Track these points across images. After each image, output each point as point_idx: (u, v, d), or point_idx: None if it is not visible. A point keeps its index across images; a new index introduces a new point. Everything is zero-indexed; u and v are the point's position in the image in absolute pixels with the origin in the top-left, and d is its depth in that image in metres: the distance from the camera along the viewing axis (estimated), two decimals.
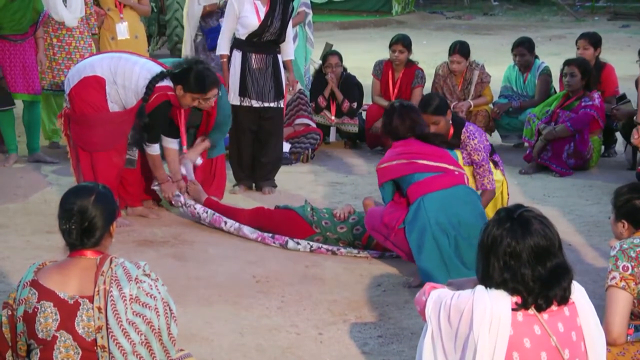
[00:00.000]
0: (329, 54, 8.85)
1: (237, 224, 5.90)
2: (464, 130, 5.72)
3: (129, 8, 8.26)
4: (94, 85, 5.78)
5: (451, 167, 5.16)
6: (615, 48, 15.34)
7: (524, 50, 8.52)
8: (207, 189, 6.36)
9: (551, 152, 7.72)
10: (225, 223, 5.93)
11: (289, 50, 7.03)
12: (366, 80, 9.13)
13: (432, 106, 5.57)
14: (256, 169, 6.97)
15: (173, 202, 6.15)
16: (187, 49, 8.54)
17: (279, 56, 6.89)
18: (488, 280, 2.91)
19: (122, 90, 5.77)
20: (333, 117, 8.58)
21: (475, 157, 5.70)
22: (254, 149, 6.95)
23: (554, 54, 13.59)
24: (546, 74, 8.52)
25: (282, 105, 7.06)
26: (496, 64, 11.44)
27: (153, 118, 5.81)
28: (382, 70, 8.57)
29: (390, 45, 8.49)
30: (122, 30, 8.17)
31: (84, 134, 5.88)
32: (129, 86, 5.75)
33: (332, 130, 8.68)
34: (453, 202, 5.02)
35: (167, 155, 6.15)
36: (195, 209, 6.04)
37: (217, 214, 5.99)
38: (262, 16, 6.69)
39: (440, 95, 5.90)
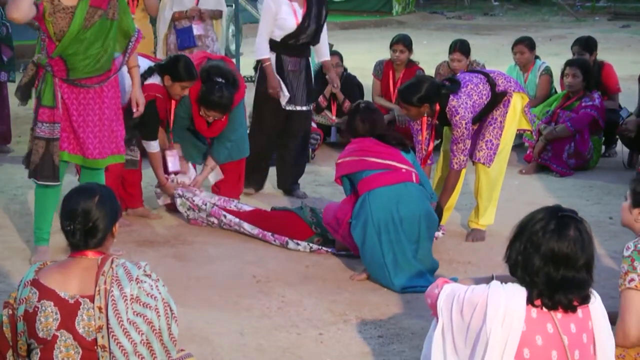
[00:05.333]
0: (330, 54, 8.83)
1: (236, 219, 5.89)
2: (447, 109, 5.53)
3: (139, 10, 8.22)
4: None
5: (399, 165, 5.20)
6: (615, 48, 15.35)
7: (523, 47, 8.50)
8: (226, 190, 6.37)
9: (551, 152, 7.72)
10: (225, 216, 5.92)
11: (324, 50, 6.96)
12: (367, 80, 9.13)
13: (406, 96, 5.54)
14: (283, 173, 6.95)
15: (174, 199, 6.12)
16: (159, 48, 8.50)
17: (315, 59, 6.83)
18: (508, 257, 2.95)
19: None
20: (334, 117, 8.58)
21: (454, 133, 5.57)
22: (280, 153, 6.88)
23: (555, 54, 13.58)
24: (547, 74, 8.52)
25: (310, 108, 7.04)
26: (497, 64, 11.41)
27: (145, 115, 5.77)
28: (382, 70, 8.58)
29: (391, 45, 8.50)
30: None
31: None
32: (120, 85, 5.73)
33: (333, 130, 8.69)
34: (397, 199, 5.09)
35: (150, 160, 6.12)
36: (193, 201, 6.02)
37: (216, 207, 5.98)
38: (300, 18, 6.60)
39: (429, 85, 5.53)
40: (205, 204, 5.98)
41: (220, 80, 5.96)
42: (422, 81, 5.63)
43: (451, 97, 5.52)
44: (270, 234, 5.75)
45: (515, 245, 2.93)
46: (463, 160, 5.61)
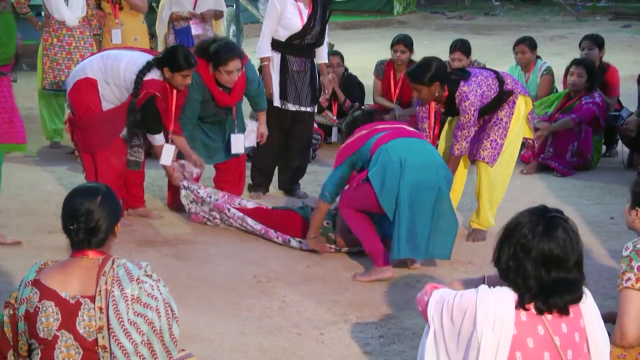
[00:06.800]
0: (331, 54, 8.84)
1: (240, 213, 5.89)
2: (457, 94, 5.57)
3: (126, 11, 8.24)
4: (87, 87, 5.78)
5: (410, 128, 5.43)
6: (616, 48, 15.31)
7: (525, 47, 8.49)
8: (228, 190, 6.35)
9: (554, 151, 7.71)
10: (229, 210, 5.92)
11: (323, 53, 6.94)
12: (368, 80, 9.13)
13: (416, 75, 5.58)
14: (285, 174, 6.95)
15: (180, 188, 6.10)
16: (159, 46, 8.52)
17: (315, 60, 6.84)
18: (497, 263, 2.94)
19: (115, 89, 5.77)
20: (335, 117, 8.58)
21: (461, 119, 5.61)
22: (282, 154, 6.89)
23: (556, 54, 13.58)
24: (548, 74, 8.51)
25: (315, 110, 7.03)
26: (498, 64, 11.36)
27: (146, 112, 5.79)
28: (383, 70, 8.58)
29: (392, 46, 8.50)
30: (116, 36, 8.17)
31: (83, 136, 5.90)
32: (119, 84, 5.75)
33: (334, 130, 8.69)
34: (414, 148, 5.17)
35: (156, 153, 6.09)
36: (198, 193, 6.01)
37: (220, 200, 5.97)
38: (305, 18, 6.58)
39: (437, 63, 5.57)
40: (210, 197, 5.98)
41: (215, 42, 6.10)
42: (431, 60, 5.66)
43: (462, 82, 5.57)
44: (273, 230, 5.75)
45: (504, 249, 2.92)
46: (464, 147, 5.66)
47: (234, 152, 6.30)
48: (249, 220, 5.84)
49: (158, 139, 5.95)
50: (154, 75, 5.75)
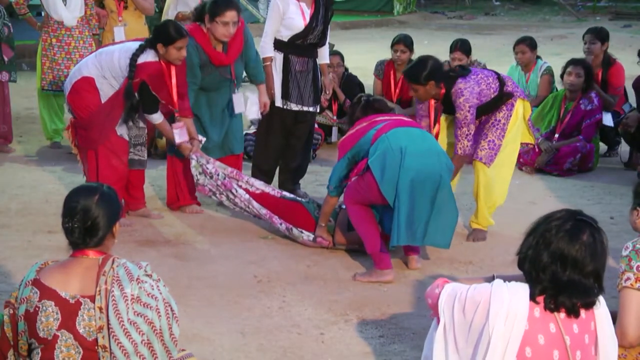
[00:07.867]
0: (331, 54, 8.83)
1: (246, 195, 5.89)
2: (453, 90, 5.60)
3: (130, 11, 8.24)
4: (85, 86, 5.78)
5: (407, 119, 5.47)
6: (617, 48, 15.25)
7: (525, 47, 8.49)
8: None
9: (553, 163, 7.70)
10: (236, 190, 5.91)
11: (325, 53, 6.93)
12: (368, 80, 9.13)
13: (411, 75, 5.63)
14: (285, 174, 6.95)
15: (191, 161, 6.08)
16: None
17: (317, 60, 6.85)
18: (519, 251, 2.97)
19: (113, 81, 5.76)
20: (335, 117, 8.58)
21: (458, 116, 5.61)
22: (283, 154, 6.89)
23: (556, 54, 13.58)
24: (548, 73, 8.51)
25: (317, 110, 7.05)
26: (498, 64, 11.42)
27: (142, 94, 5.78)
28: (383, 70, 8.58)
29: (392, 45, 8.50)
30: (120, 34, 8.16)
31: (86, 134, 5.90)
32: (117, 74, 5.73)
33: (334, 130, 8.69)
34: (414, 136, 5.17)
35: (160, 129, 6.17)
36: (207, 168, 6.01)
37: (228, 178, 5.97)
38: (308, 18, 6.56)
39: (433, 62, 5.61)
40: (217, 174, 5.98)
41: None
42: (426, 59, 5.69)
43: (460, 79, 5.59)
44: (277, 217, 5.76)
45: (528, 239, 2.95)
46: (467, 146, 5.65)
47: (237, 111, 6.43)
48: (255, 204, 5.84)
49: (155, 117, 5.94)
50: (148, 56, 5.73)
